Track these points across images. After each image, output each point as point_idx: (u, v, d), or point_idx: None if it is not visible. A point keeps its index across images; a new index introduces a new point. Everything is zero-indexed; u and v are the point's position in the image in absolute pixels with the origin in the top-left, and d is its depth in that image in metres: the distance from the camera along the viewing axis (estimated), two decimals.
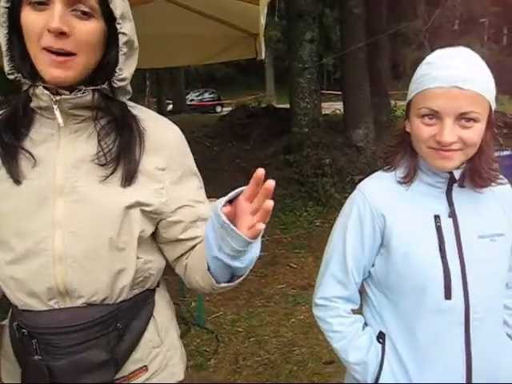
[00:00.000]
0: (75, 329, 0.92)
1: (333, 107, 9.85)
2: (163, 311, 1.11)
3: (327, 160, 6.45)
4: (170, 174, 0.99)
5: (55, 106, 0.88)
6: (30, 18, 0.82)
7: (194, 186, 1.06)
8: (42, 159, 0.91)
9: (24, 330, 0.94)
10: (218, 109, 22.22)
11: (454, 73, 0.99)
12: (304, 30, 6.82)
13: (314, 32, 6.93)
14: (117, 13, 0.86)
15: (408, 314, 1.12)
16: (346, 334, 1.18)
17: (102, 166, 0.92)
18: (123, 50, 0.90)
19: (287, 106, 7.99)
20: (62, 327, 0.92)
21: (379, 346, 1.17)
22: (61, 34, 0.81)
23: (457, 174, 1.09)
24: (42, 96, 0.87)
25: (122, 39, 0.89)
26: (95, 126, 0.93)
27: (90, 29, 0.85)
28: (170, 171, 0.99)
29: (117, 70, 0.91)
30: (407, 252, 1.10)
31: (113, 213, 0.92)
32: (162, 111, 17.13)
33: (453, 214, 1.10)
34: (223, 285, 0.91)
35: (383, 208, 1.14)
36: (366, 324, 1.23)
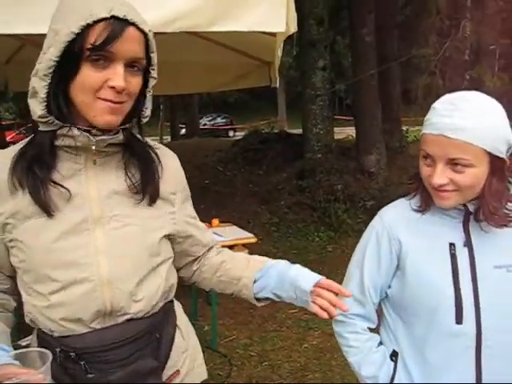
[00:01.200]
0: (123, 343, 1.00)
1: (345, 132, 9.94)
2: (183, 318, 1.22)
3: (339, 186, 6.50)
4: (178, 196, 1.13)
5: (93, 147, 0.96)
6: (89, 74, 0.89)
7: (191, 205, 1.21)
8: (74, 193, 0.98)
9: (72, 354, 0.98)
10: (231, 133, 22.47)
11: (446, 121, 1.05)
12: (316, 58, 6.95)
13: (326, 60, 7.06)
14: (154, 62, 0.98)
15: (420, 336, 1.17)
16: (362, 349, 1.26)
17: (133, 194, 1.03)
18: (150, 91, 1.02)
19: (299, 130, 8.08)
20: (111, 344, 0.99)
21: (392, 363, 1.23)
22: (122, 90, 0.91)
23: (471, 208, 1.13)
24: (79, 137, 0.94)
25: (151, 83, 1.00)
26: (122, 159, 1.03)
27: (138, 81, 0.96)
28: (178, 193, 1.13)
29: (144, 109, 1.02)
30: (421, 275, 1.15)
31: (147, 236, 1.04)
32: (175, 135, 17.36)
33: (468, 244, 1.14)
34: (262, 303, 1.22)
35: (400, 233, 1.21)
36: (381, 343, 1.29)
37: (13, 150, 0.99)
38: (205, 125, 23.06)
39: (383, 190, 6.56)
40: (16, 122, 22.05)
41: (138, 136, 1.08)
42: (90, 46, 0.87)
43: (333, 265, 4.87)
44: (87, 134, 0.94)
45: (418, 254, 1.17)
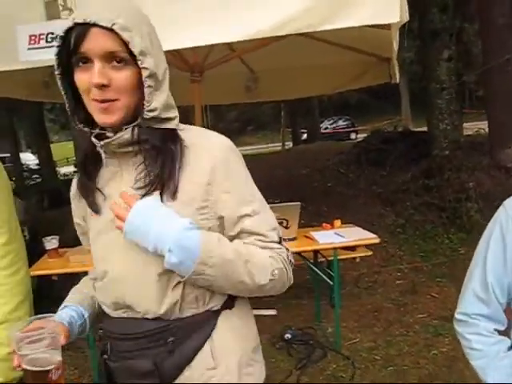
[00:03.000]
0: (127, 337, 1.06)
1: (476, 127, 9.21)
2: (225, 335, 1.08)
3: (471, 184, 6.02)
4: (216, 188, 1.02)
5: (101, 150, 1.03)
6: (79, 77, 0.97)
7: (241, 199, 1.05)
8: (110, 195, 1.07)
9: (101, 331, 1.15)
10: (353, 136, 22.08)
11: None
12: (440, 48, 6.55)
13: (452, 50, 6.62)
14: (135, 51, 0.94)
15: None
16: (487, 352, 1.15)
17: (153, 190, 1.01)
18: (147, 82, 0.97)
19: (424, 128, 7.67)
20: (120, 334, 1.07)
21: None
22: (103, 87, 0.94)
23: None
24: (94, 143, 1.03)
25: (144, 73, 0.96)
26: (141, 157, 1.03)
27: (124, 76, 0.96)
28: (216, 185, 1.02)
29: (144, 103, 0.98)
30: None
31: None
32: (296, 140, 17.55)
33: None
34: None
35: None
36: (511, 347, 1.16)
37: None
38: (326, 128, 22.98)
39: None
40: None
41: (180, 126, 1.07)
42: (68, 52, 0.96)
43: (465, 268, 4.48)
44: (95, 140, 1.02)
45: None
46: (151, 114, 0.99)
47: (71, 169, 14.06)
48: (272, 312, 3.90)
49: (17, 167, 14.56)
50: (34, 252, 3.47)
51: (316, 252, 3.70)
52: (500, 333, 1.18)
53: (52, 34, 2.19)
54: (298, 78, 4.48)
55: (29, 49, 2.24)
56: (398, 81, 3.79)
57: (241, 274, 1.00)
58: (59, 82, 1.01)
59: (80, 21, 0.92)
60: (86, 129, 1.03)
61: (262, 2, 1.97)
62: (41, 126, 12.23)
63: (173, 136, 1.05)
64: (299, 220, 3.36)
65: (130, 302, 1.04)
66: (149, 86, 0.97)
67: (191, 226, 0.97)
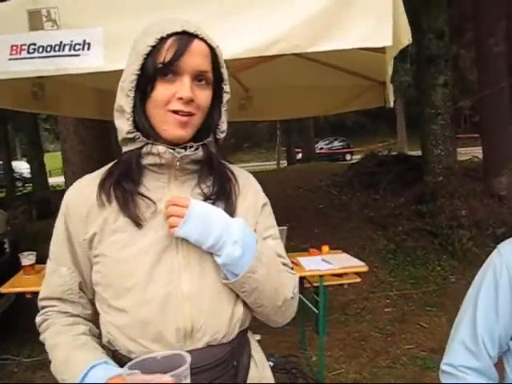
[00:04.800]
0: (202, 369, 0.96)
1: (471, 152, 9.21)
2: (257, 348, 1.15)
3: (464, 211, 5.97)
4: (256, 212, 1.09)
5: (178, 163, 0.98)
6: (161, 88, 0.94)
7: (267, 225, 1.13)
8: (159, 210, 0.99)
9: None
10: (348, 157, 22.16)
11: None
12: (436, 74, 6.56)
13: (447, 75, 6.62)
14: (225, 77, 1.00)
15: None
16: None
17: None
18: (225, 106, 1.03)
19: (419, 152, 7.65)
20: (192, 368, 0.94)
21: None
22: (190, 101, 0.94)
23: None
24: (164, 154, 0.96)
25: (225, 97, 1.02)
26: (199, 177, 1.04)
27: (206, 95, 0.98)
28: (257, 210, 1.10)
29: (220, 123, 1.03)
30: None
31: None
32: (291, 159, 17.56)
33: None
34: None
35: None
36: None
37: (100, 172, 1.05)
38: (321, 149, 23.05)
39: None
40: None
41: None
42: (161, 61, 0.92)
43: (456, 298, 4.44)
44: (172, 151, 0.97)
45: None
46: (222, 135, 1.04)
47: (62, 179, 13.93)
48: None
49: (7, 175, 14.46)
50: (15, 267, 3.35)
51: (302, 278, 3.60)
52: None
53: (34, 44, 2.12)
54: (292, 99, 4.44)
55: (10, 59, 2.17)
56: (392, 105, 3.74)
57: (277, 280, 1.03)
58: (132, 92, 0.95)
59: (190, 30, 0.93)
60: (142, 138, 0.98)
61: (249, 21, 1.91)
62: (35, 135, 12.16)
63: (222, 162, 1.09)
64: (285, 244, 3.27)
65: (200, 324, 0.97)
66: (225, 110, 1.03)
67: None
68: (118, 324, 0.97)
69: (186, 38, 0.93)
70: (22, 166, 20.59)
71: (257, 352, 1.13)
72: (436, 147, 6.60)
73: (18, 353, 3.77)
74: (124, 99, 0.97)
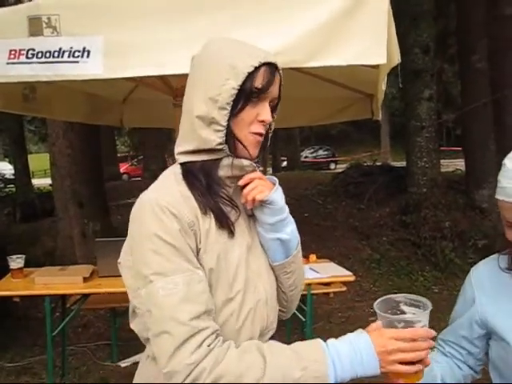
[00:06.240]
0: None
1: (453, 164, 9.39)
2: None
3: (447, 222, 6.09)
4: None
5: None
6: (250, 111, 1.00)
7: None
8: (245, 219, 1.08)
9: None
10: (332, 166, 22.33)
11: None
12: (422, 88, 6.70)
13: (432, 89, 6.77)
14: (280, 95, 1.07)
15: None
16: None
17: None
18: (273, 125, 1.09)
19: (403, 163, 7.77)
20: None
21: None
22: (268, 124, 1.03)
23: None
24: (248, 167, 1.03)
25: (274, 120, 1.08)
26: None
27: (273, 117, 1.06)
28: None
29: (268, 140, 1.12)
30: (509, 342, 1.07)
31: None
32: (276, 167, 17.64)
33: None
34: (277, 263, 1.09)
35: (484, 296, 1.15)
36: None
37: (176, 185, 1.00)
38: (306, 157, 23.19)
39: (497, 228, 6.03)
40: (129, 154, 24.04)
41: None
42: (259, 86, 0.99)
43: (438, 308, 4.46)
44: (255, 165, 1.04)
45: (506, 321, 1.09)
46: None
47: (48, 181, 13.70)
48: None
49: None
50: (0, 270, 3.32)
51: None
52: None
53: (33, 50, 2.14)
54: (282, 109, 4.46)
55: (8, 63, 2.18)
56: (380, 118, 3.81)
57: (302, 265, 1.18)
58: (229, 105, 0.97)
59: (273, 61, 1.00)
60: (226, 152, 1.01)
61: (247, 35, 1.96)
62: (19, 136, 12.01)
63: None
64: None
65: (271, 321, 1.07)
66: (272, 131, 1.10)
67: None
68: (228, 329, 0.97)
69: (274, 68, 1.01)
70: (4, 167, 20.30)
71: None
72: (420, 159, 6.73)
73: (1, 357, 3.73)
74: (219, 112, 0.97)
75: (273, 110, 1.04)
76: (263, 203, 1.03)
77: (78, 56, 2.09)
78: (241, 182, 1.03)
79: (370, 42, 1.90)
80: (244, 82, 0.97)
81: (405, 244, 6.17)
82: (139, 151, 19.33)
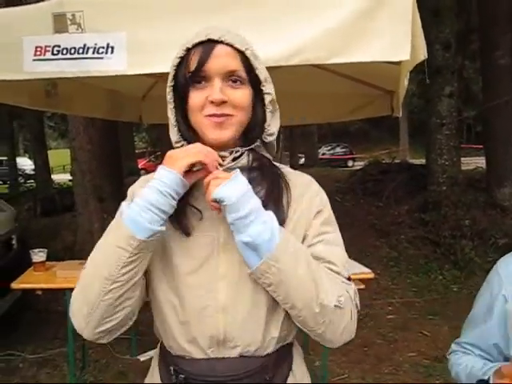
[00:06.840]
0: (232, 379, 0.97)
1: (473, 162, 9.25)
2: (301, 366, 1.11)
3: (467, 221, 6.01)
4: (308, 219, 1.03)
5: (221, 169, 0.96)
6: (195, 95, 0.96)
7: (321, 230, 1.06)
8: (206, 217, 1.00)
9: (182, 376, 0.99)
10: (350, 163, 22.18)
11: None
12: (442, 84, 6.61)
13: (453, 86, 6.68)
14: (261, 77, 0.99)
15: None
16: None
17: None
18: (269, 108, 1.01)
19: (422, 160, 7.68)
20: (220, 377, 0.97)
21: None
22: (222, 103, 0.94)
23: None
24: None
25: (267, 98, 1.00)
26: (249, 183, 0.97)
27: (241, 94, 0.97)
28: (310, 216, 1.04)
29: (266, 126, 1.02)
30: None
31: None
32: (294, 165, 17.58)
33: None
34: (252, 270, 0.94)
35: None
36: None
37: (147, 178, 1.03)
38: (324, 154, 23.07)
39: None
40: (148, 150, 24.23)
41: (268, 156, 1.06)
42: (188, 70, 0.95)
43: (458, 307, 4.47)
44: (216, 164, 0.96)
45: None
46: (270, 139, 1.03)
47: (67, 176, 13.84)
48: None
49: (12, 171, 14.49)
50: (23, 263, 3.38)
51: None
52: None
53: (58, 46, 2.17)
54: (300, 105, 4.45)
55: (34, 60, 2.21)
56: (400, 115, 3.77)
57: (309, 279, 0.94)
58: (171, 103, 1.00)
59: (215, 37, 0.94)
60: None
61: (271, 30, 1.96)
62: (40, 133, 12.19)
63: (276, 167, 1.06)
64: None
65: (233, 335, 0.97)
66: (270, 111, 1.01)
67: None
68: (168, 321, 1.00)
69: (209, 44, 0.95)
70: (24, 163, 20.64)
71: (299, 371, 1.09)
72: (440, 157, 6.65)
73: (23, 349, 3.80)
74: (169, 111, 1.01)
75: (234, 81, 0.96)
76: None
77: (103, 52, 2.11)
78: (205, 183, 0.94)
79: (394, 38, 1.87)
80: (176, 74, 0.97)
81: (423, 242, 6.11)
82: (157, 147, 19.49)
